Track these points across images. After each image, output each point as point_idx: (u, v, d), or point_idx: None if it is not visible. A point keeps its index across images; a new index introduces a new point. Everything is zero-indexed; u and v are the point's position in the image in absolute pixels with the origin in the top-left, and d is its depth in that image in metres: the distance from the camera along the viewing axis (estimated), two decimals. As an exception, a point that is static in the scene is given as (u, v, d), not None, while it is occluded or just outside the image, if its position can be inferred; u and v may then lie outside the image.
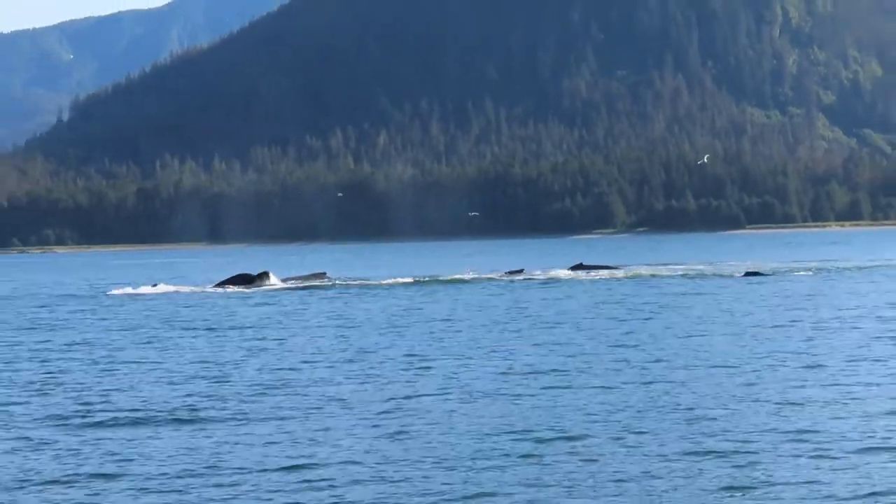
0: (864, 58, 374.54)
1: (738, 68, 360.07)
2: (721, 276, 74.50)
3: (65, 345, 41.06)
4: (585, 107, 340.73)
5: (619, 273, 78.79)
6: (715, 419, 22.56)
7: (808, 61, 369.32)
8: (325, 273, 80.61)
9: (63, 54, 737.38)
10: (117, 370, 33.04)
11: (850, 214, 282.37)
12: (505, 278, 75.74)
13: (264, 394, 27.43)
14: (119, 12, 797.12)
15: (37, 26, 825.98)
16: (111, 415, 24.97)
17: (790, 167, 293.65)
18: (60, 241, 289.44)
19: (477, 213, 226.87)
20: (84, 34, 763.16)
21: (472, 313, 50.29)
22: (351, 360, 33.71)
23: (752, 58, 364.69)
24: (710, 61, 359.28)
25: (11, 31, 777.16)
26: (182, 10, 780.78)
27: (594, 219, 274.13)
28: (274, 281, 74.35)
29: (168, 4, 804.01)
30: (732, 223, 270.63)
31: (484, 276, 77.07)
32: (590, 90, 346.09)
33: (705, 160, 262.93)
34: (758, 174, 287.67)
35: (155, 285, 74.69)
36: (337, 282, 76.55)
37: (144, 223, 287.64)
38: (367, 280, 78.14)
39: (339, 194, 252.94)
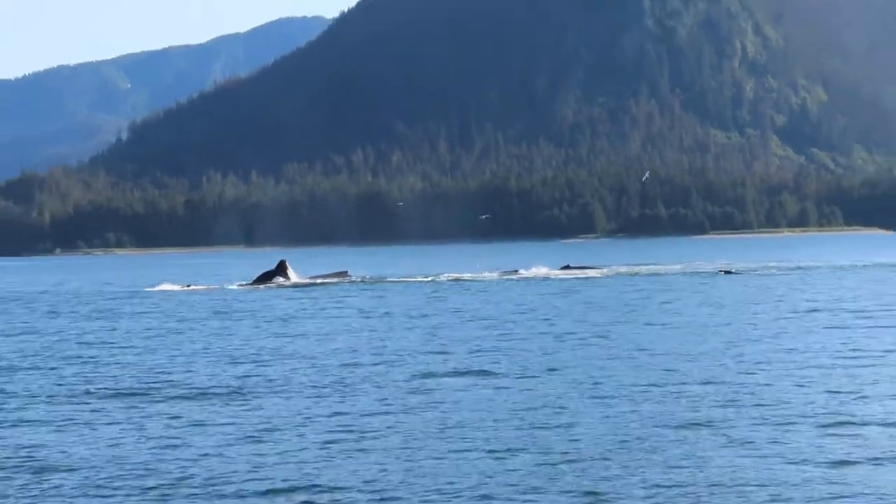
0: (811, 86, 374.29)
1: (702, 95, 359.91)
2: (700, 273, 74.29)
3: (126, 332, 41.00)
4: (571, 129, 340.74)
5: (605, 271, 78.55)
6: (704, 396, 22.45)
7: (763, 89, 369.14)
8: (346, 271, 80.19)
9: (121, 83, 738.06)
10: (172, 354, 32.96)
11: (800, 221, 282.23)
12: (502, 277, 75.22)
13: (306, 374, 27.33)
14: (169, 47, 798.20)
15: (99, 59, 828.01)
16: (170, 391, 24.91)
17: (748, 180, 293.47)
18: (119, 244, 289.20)
19: (489, 216, 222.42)
20: (139, 66, 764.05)
21: (479, 305, 50.18)
22: (377, 346, 33.59)
23: (715, 86, 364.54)
24: (678, 89, 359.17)
25: (77, 64, 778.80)
26: (224, 46, 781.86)
27: (579, 225, 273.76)
28: (291, 271, 73.59)
29: (212, 41, 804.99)
30: (698, 229, 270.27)
31: (482, 274, 76.27)
32: (575, 115, 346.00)
33: (646, 177, 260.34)
34: (720, 186, 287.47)
35: (188, 285, 73.25)
36: (362, 278, 76.28)
37: (191, 229, 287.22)
38: (385, 277, 77.99)
39: (399, 203, 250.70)
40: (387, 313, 46.80)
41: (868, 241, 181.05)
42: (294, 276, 73.31)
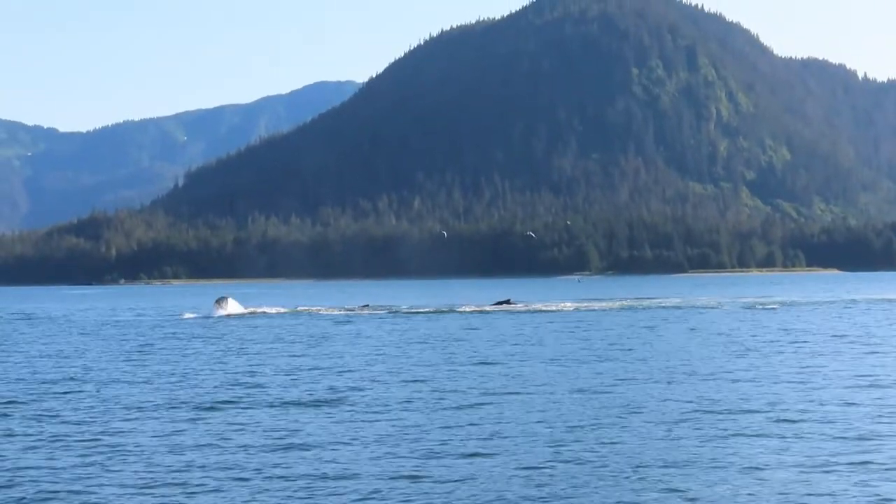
0: (777, 146, 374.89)
1: (682, 152, 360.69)
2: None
3: (207, 348, 41.77)
4: (569, 180, 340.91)
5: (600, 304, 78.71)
6: (692, 398, 23.36)
7: (735, 147, 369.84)
8: (367, 305, 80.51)
9: (179, 136, 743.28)
10: (257, 369, 33.76)
11: (767, 262, 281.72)
12: (496, 308, 74.23)
13: (373, 387, 28.07)
14: (221, 106, 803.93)
15: (160, 115, 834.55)
16: (260, 398, 25.82)
17: (722, 227, 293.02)
18: (176, 276, 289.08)
19: (532, 234, 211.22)
20: (195, 122, 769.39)
21: (487, 332, 50.79)
22: (414, 364, 34.33)
23: (693, 145, 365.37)
24: (661, 147, 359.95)
25: (141, 119, 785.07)
26: (268, 104, 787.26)
27: (575, 264, 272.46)
28: (233, 304, 72.30)
29: (258, 101, 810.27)
30: (678, 268, 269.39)
31: (480, 306, 75.80)
32: (572, 168, 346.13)
33: (532, 234, 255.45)
34: (697, 231, 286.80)
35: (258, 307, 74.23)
36: (389, 310, 76.65)
37: (238, 263, 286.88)
38: (403, 307, 78.01)
39: (443, 231, 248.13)
40: (413, 337, 47.23)
41: (830, 280, 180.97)
42: (232, 309, 71.76)
